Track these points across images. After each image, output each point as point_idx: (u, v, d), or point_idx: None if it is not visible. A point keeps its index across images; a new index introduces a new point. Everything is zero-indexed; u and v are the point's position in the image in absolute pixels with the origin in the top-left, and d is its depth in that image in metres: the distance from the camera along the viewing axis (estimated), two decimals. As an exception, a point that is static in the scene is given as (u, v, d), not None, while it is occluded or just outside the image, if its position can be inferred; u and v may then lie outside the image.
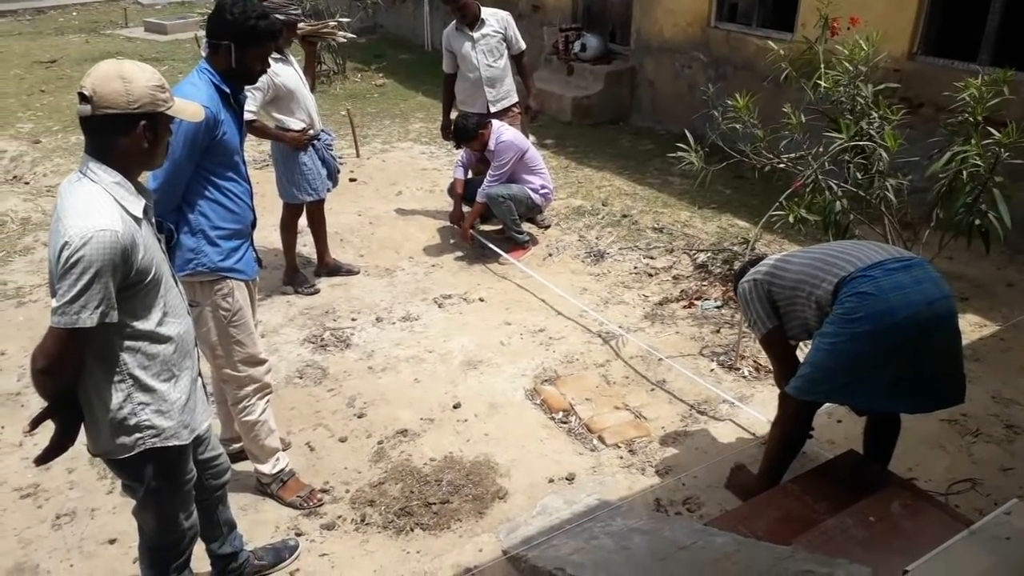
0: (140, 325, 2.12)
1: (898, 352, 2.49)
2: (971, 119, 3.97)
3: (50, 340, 1.98)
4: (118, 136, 2.05)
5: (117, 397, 2.13)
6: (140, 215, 2.09)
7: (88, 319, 1.95)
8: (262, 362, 3.14)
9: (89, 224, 1.94)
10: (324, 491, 3.31)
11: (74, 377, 2.08)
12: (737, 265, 4.79)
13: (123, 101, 2.00)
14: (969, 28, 5.70)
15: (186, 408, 2.27)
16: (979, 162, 3.92)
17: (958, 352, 2.62)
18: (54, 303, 1.97)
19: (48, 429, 2.17)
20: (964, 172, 3.95)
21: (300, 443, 3.62)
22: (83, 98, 2.01)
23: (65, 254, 1.93)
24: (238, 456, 3.35)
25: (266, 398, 3.18)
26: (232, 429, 3.33)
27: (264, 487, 3.27)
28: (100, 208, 1.99)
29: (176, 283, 2.30)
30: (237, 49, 2.84)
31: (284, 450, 3.37)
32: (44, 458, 2.17)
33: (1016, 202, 4.52)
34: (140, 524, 2.44)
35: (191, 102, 2.31)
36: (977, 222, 4.06)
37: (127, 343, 2.11)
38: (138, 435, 2.17)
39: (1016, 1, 5.44)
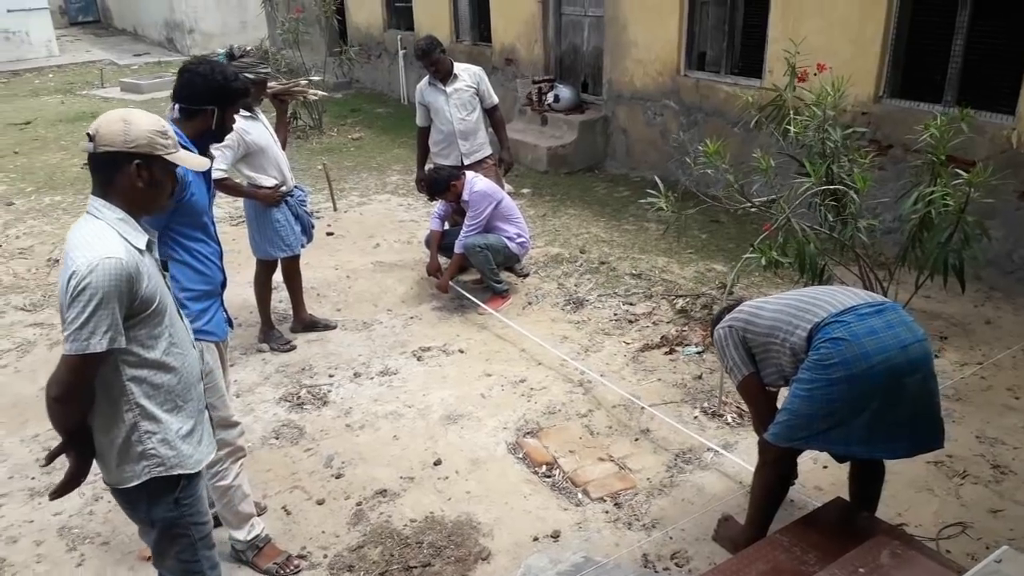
0: (146, 354, 2.17)
1: (874, 397, 2.47)
2: (935, 159, 4.03)
3: (63, 368, 2.06)
4: (115, 173, 2.14)
5: (125, 426, 2.18)
6: (143, 247, 2.17)
7: (98, 344, 2.02)
8: (234, 425, 3.06)
9: (94, 253, 2.04)
10: (301, 557, 3.20)
11: (87, 407, 2.15)
12: (716, 309, 4.79)
13: (120, 140, 2.11)
14: (935, 71, 5.84)
15: (190, 438, 2.30)
16: (949, 202, 3.97)
17: (934, 396, 2.59)
18: (64, 332, 2.04)
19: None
20: (933, 212, 3.99)
21: (276, 506, 3.51)
22: (89, 137, 2.13)
23: (73, 283, 2.02)
24: (213, 521, 3.24)
25: (239, 462, 3.09)
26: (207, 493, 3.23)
27: (239, 554, 3.16)
28: (104, 239, 2.08)
29: (181, 316, 2.36)
30: (220, 112, 2.89)
31: (259, 515, 3.27)
32: (60, 492, 2.23)
33: (990, 240, 4.59)
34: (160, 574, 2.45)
35: (196, 155, 2.42)
36: (951, 260, 4.10)
37: (133, 372, 2.17)
38: (144, 463, 2.22)
39: (976, 44, 5.59)
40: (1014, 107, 5.20)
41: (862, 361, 2.45)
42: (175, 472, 2.25)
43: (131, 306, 2.09)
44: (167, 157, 2.19)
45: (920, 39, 6.06)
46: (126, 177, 2.13)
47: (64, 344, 2.04)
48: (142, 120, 2.16)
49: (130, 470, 2.21)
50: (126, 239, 2.12)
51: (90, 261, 2.02)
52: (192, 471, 2.30)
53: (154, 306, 2.16)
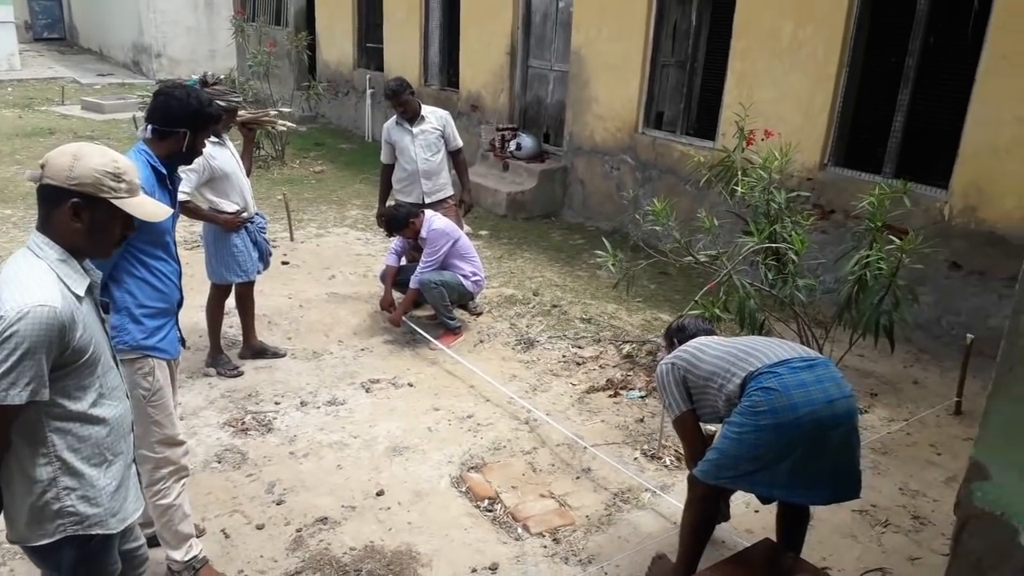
0: (72, 406, 2.04)
1: (798, 445, 2.62)
2: (872, 225, 4.27)
3: None
4: (53, 209, 2.01)
5: (42, 480, 2.04)
6: (82, 293, 2.05)
7: (17, 396, 1.89)
8: (180, 443, 3.07)
9: (27, 299, 1.90)
10: (237, 581, 3.19)
11: (1, 455, 2.00)
12: (660, 357, 4.95)
13: (63, 175, 1.98)
14: (877, 144, 6.20)
15: (116, 495, 2.17)
16: (883, 266, 4.21)
17: (854, 450, 2.74)
18: None
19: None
20: (868, 275, 4.22)
21: (215, 529, 3.49)
22: (40, 166, 2.02)
23: None
24: (150, 542, 3.20)
25: (182, 481, 3.09)
26: (145, 513, 3.20)
27: (175, 574, 3.13)
28: (40, 283, 1.95)
29: (116, 364, 2.24)
30: (191, 135, 2.93)
31: (198, 536, 3.25)
32: None
33: (920, 305, 4.84)
34: None
35: (156, 203, 2.24)
36: (882, 321, 4.32)
37: (57, 424, 2.03)
38: (59, 521, 2.07)
39: (915, 121, 5.96)
40: (947, 182, 5.54)
41: (789, 411, 2.60)
42: (94, 532, 2.12)
43: (61, 356, 1.96)
44: (114, 202, 2.04)
45: (864, 113, 6.44)
46: (63, 215, 2.00)
47: None
48: (93, 158, 2.02)
49: (41, 528, 2.06)
50: (65, 283, 1.99)
51: (21, 307, 1.88)
52: (112, 531, 2.17)
53: (86, 357, 2.03)
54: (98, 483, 2.12)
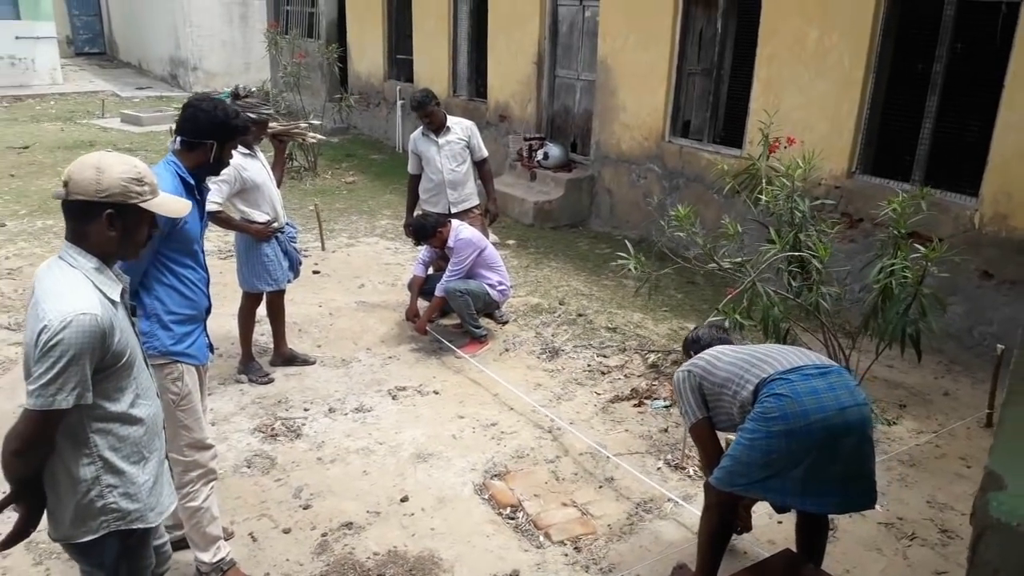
0: (112, 407, 2.14)
1: (809, 452, 2.62)
2: (897, 233, 4.24)
3: (25, 422, 2.02)
4: (87, 222, 2.09)
5: (86, 479, 2.13)
6: (117, 299, 2.14)
7: (64, 401, 1.98)
8: (208, 447, 3.15)
9: (68, 308, 1.99)
10: (264, 583, 3.26)
11: (46, 458, 2.10)
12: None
13: (92, 189, 2.06)
14: (905, 151, 6.14)
15: (153, 490, 2.28)
16: (908, 274, 4.17)
17: (868, 459, 2.73)
18: (30, 386, 1.99)
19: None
20: (893, 283, 4.18)
21: (243, 533, 3.57)
22: (64, 183, 2.09)
23: (44, 337, 1.97)
24: (179, 544, 3.29)
25: (210, 484, 3.17)
26: (175, 515, 3.28)
27: (202, 576, 3.22)
28: (79, 291, 2.03)
29: (147, 365, 2.33)
30: (218, 146, 3.02)
31: (226, 539, 3.33)
32: (7, 544, 2.16)
33: (951, 315, 4.77)
34: None
35: (177, 198, 2.37)
36: (908, 330, 4.27)
37: (98, 425, 2.13)
38: (103, 518, 2.17)
39: (944, 128, 5.90)
40: (978, 189, 5.47)
41: (800, 418, 2.61)
42: (135, 526, 2.22)
43: (101, 360, 2.05)
44: (142, 205, 2.13)
45: (892, 121, 6.38)
46: (98, 226, 2.08)
47: (28, 399, 1.99)
48: (115, 167, 2.09)
49: (86, 526, 2.16)
50: (101, 290, 2.08)
51: (64, 316, 1.96)
52: (151, 525, 2.27)
53: (124, 360, 2.12)
54: (137, 480, 2.22)
